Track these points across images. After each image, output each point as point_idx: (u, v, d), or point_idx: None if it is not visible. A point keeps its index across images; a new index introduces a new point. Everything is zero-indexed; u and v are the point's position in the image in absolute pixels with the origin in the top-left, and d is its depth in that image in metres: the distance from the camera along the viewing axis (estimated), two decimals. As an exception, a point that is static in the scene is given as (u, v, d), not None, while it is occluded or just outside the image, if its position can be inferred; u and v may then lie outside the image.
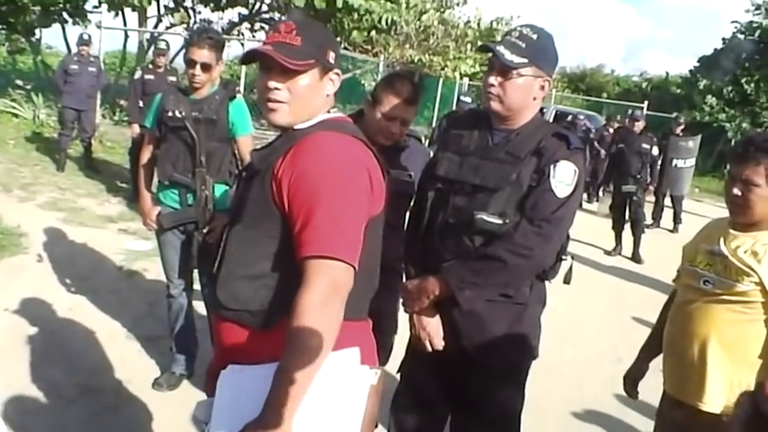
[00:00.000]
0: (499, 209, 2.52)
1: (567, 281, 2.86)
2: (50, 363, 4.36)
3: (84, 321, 5.09)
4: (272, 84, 1.87)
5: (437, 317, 2.68)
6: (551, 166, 2.49)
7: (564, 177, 2.48)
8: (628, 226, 9.89)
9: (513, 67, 2.50)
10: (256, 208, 1.88)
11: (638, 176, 9.74)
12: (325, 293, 1.70)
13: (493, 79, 2.55)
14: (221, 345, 2.00)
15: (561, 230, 2.54)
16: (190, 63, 4.01)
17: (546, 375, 4.77)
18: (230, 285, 1.90)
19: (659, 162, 10.48)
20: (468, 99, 10.61)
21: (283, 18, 1.99)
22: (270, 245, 1.85)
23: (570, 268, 2.85)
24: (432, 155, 3.01)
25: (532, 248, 2.46)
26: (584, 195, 13.76)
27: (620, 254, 10.00)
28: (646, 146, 9.86)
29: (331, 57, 1.96)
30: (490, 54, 2.57)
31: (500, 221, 2.50)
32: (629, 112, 11.20)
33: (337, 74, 2.00)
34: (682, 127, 11.97)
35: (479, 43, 2.89)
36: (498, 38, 2.64)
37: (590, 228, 10.83)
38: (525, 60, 2.50)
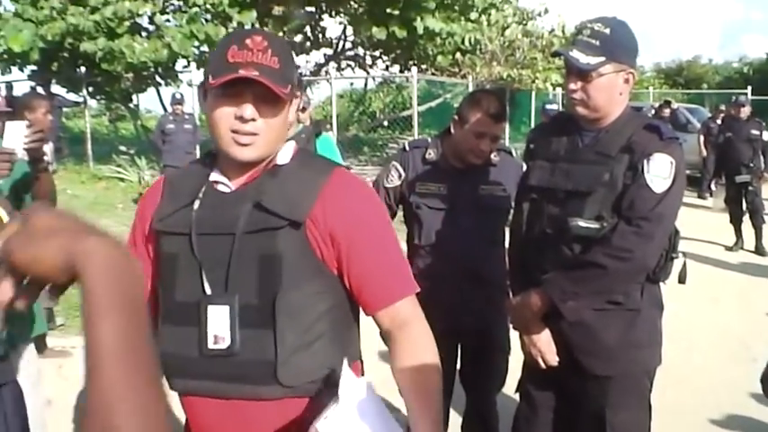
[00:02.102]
0: (595, 212, 2.40)
1: (681, 280, 2.70)
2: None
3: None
4: (249, 113, 1.55)
5: (546, 332, 2.57)
6: (645, 161, 2.35)
7: (660, 171, 2.33)
8: (746, 218, 9.43)
9: (590, 70, 2.39)
10: (297, 267, 1.59)
11: (751, 165, 9.30)
12: (426, 326, 1.67)
13: (573, 84, 2.44)
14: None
15: (663, 227, 2.39)
16: None
17: (675, 385, 4.55)
18: (292, 362, 1.58)
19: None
20: (553, 106, 10.42)
21: (246, 29, 1.61)
22: (320, 303, 1.62)
23: (684, 266, 2.69)
24: (525, 167, 2.93)
25: (632, 250, 2.33)
26: (695, 192, 13.32)
27: (742, 248, 9.55)
28: (755, 132, 9.45)
29: (296, 76, 1.69)
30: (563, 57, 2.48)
31: (597, 225, 2.38)
32: (733, 98, 10.75)
33: (298, 96, 1.72)
34: None
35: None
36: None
37: (707, 225, 10.42)
38: (602, 59, 2.38)
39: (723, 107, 13.98)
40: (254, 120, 1.56)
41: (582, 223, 2.40)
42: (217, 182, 1.69)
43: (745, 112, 9.71)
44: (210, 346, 1.60)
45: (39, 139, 2.67)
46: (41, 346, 5.33)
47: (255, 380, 1.58)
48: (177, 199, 1.69)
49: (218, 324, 1.60)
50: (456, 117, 3.10)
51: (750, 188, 9.27)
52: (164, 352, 1.60)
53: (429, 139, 3.35)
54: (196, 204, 1.66)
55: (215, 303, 1.61)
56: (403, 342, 1.63)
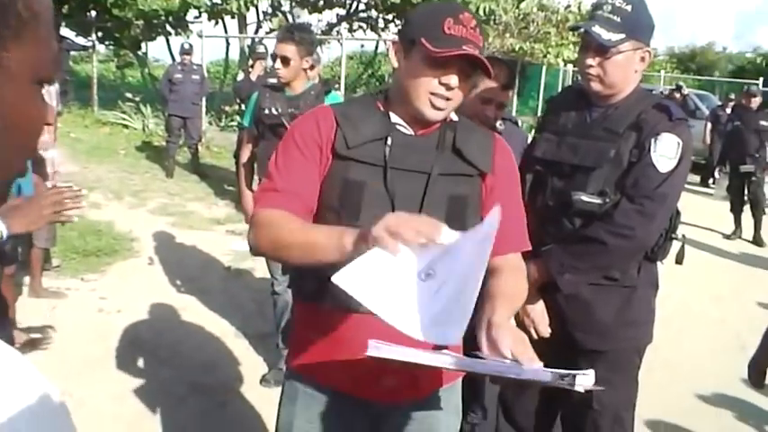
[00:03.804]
0: (598, 188, 2.40)
1: (679, 261, 2.70)
2: (161, 362, 4.46)
3: (193, 321, 5.20)
4: (454, 83, 1.71)
5: (541, 303, 2.57)
6: (652, 140, 2.34)
7: (666, 151, 2.33)
8: (747, 208, 9.41)
9: (611, 46, 2.36)
10: (474, 210, 1.84)
11: (757, 155, 9.27)
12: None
13: (591, 60, 2.42)
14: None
15: (665, 208, 2.39)
16: (272, 58, 4.08)
17: (664, 367, 4.59)
18: None
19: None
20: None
21: (451, 3, 1.77)
22: None
23: (682, 248, 2.70)
24: (530, 138, 2.91)
25: (634, 228, 2.33)
26: (698, 178, 13.27)
27: (740, 237, 9.55)
28: (764, 123, 9.40)
29: None
30: (582, 31, 2.45)
31: (599, 201, 2.38)
32: (745, 88, 10.68)
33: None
34: None
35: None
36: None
37: (708, 212, 10.41)
38: (623, 36, 2.36)
39: (733, 96, 13.88)
40: (453, 88, 1.72)
41: (585, 198, 2.39)
42: (398, 124, 1.82)
43: (756, 102, 9.65)
44: None
45: None
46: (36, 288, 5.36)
47: None
48: (363, 132, 1.80)
49: None
50: (464, 83, 3.07)
51: (753, 179, 9.24)
52: None
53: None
54: (389, 141, 1.79)
55: None
56: (507, 270, 1.79)
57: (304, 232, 1.67)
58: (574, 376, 1.33)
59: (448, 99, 1.73)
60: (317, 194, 1.80)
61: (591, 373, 1.34)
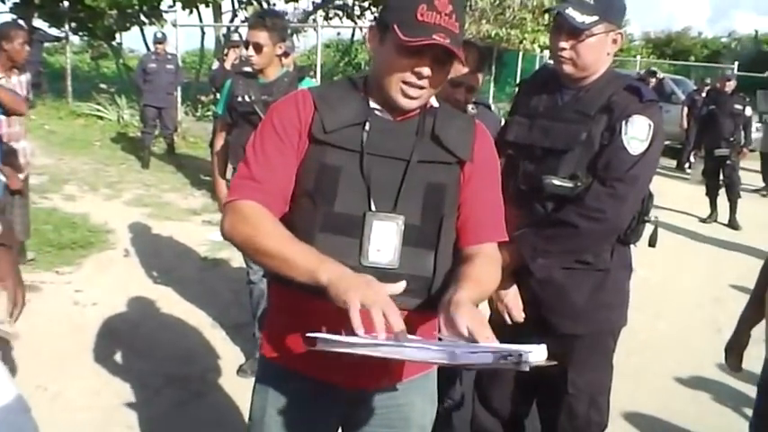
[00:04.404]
0: (569, 171, 2.38)
1: (652, 243, 2.70)
2: (137, 354, 4.42)
3: (170, 312, 5.17)
4: (427, 72, 1.66)
5: (514, 288, 2.56)
6: (623, 122, 2.33)
7: (637, 133, 2.32)
8: (723, 191, 9.48)
9: (584, 29, 2.35)
10: (452, 198, 1.80)
11: (732, 139, 9.34)
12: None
13: (564, 42, 2.40)
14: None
15: (637, 190, 2.38)
16: (245, 45, 4.05)
17: (640, 350, 4.62)
18: (441, 280, 1.77)
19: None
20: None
21: None
22: (453, 233, 1.84)
23: (655, 230, 2.70)
24: (503, 122, 2.89)
25: (605, 211, 2.32)
26: (674, 163, 13.35)
27: (716, 221, 9.62)
28: (738, 106, 9.46)
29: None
30: (555, 13, 2.43)
31: (571, 185, 2.37)
32: (720, 72, 10.75)
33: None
34: None
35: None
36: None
37: (683, 195, 10.49)
38: (596, 18, 2.34)
39: (709, 80, 13.94)
40: (428, 77, 1.68)
41: (556, 181, 2.38)
42: (376, 109, 1.79)
43: (731, 86, 9.70)
44: (372, 258, 1.72)
45: None
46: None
47: (407, 293, 1.62)
48: (341, 116, 1.76)
49: (381, 239, 1.73)
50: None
51: (728, 162, 9.32)
52: None
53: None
54: (367, 126, 1.76)
55: (381, 219, 1.73)
56: (481, 257, 1.79)
57: (282, 244, 1.62)
58: (520, 354, 1.26)
59: (421, 88, 1.69)
60: (293, 182, 1.75)
61: (540, 348, 1.29)
